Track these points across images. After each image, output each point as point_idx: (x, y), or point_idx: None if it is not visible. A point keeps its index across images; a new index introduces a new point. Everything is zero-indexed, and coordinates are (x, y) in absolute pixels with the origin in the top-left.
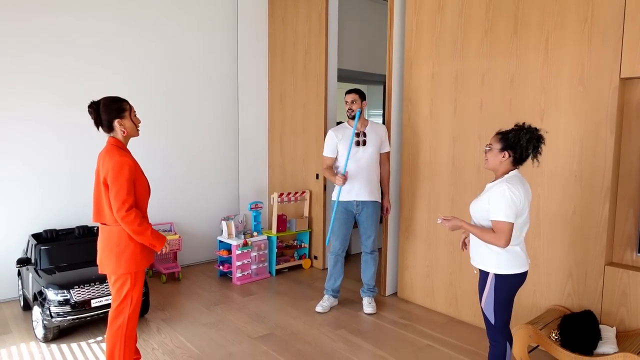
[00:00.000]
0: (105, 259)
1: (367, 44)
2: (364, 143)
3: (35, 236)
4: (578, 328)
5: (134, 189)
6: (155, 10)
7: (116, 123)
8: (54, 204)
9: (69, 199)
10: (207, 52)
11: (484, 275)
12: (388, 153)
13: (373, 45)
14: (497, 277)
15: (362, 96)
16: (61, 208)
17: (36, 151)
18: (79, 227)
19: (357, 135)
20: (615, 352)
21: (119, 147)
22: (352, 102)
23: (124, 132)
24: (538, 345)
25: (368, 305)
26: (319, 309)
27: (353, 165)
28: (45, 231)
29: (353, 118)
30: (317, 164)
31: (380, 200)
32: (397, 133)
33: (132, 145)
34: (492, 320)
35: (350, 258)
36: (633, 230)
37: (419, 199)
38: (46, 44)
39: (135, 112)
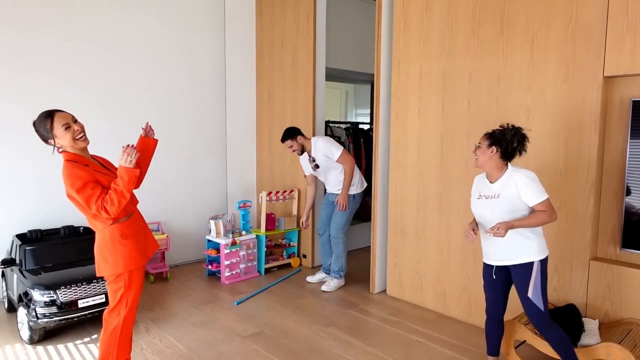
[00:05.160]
0: (102, 261)
1: (355, 42)
2: (317, 166)
3: (20, 236)
4: (561, 321)
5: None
6: (142, 8)
7: (51, 143)
8: (39, 204)
9: (54, 199)
10: (194, 50)
11: (523, 267)
12: (339, 158)
13: (361, 44)
14: (542, 262)
15: (292, 136)
16: (46, 208)
17: (20, 151)
18: (64, 227)
19: (313, 160)
20: (597, 343)
21: (73, 161)
22: (290, 147)
23: (59, 149)
24: (525, 341)
25: (326, 285)
26: (309, 279)
27: (321, 175)
28: (29, 231)
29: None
30: None
31: (352, 193)
32: (386, 131)
33: (121, 142)
34: (542, 307)
35: None
36: (617, 226)
37: (407, 196)
38: (30, 41)
39: (66, 123)
